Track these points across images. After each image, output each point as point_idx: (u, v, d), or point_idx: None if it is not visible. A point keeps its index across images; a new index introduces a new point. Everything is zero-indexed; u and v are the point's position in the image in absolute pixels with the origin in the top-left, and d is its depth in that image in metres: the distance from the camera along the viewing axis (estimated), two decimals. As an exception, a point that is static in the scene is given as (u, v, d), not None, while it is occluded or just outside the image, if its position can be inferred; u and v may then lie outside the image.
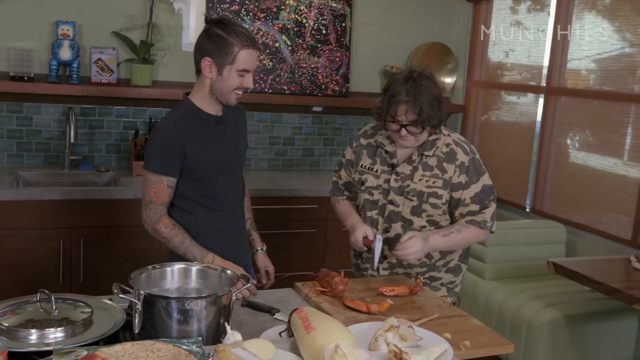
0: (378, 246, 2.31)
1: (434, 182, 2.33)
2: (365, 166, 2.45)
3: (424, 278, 2.43)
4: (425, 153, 2.34)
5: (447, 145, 2.35)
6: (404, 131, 2.25)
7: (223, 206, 2.36)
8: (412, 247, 2.25)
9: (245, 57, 2.19)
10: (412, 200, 2.35)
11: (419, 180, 2.34)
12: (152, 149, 2.24)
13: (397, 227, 2.39)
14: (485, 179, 2.36)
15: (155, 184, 2.22)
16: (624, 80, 3.69)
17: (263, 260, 2.59)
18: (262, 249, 2.60)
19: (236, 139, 2.41)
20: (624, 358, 3.52)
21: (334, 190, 2.62)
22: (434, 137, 2.35)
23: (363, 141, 2.48)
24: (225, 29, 2.18)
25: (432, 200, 2.33)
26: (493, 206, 2.36)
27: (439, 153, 2.34)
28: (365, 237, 2.34)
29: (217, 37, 2.17)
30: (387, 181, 2.39)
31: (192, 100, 2.29)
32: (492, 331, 2.03)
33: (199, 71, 2.26)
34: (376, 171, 2.41)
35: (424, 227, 2.38)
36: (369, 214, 2.44)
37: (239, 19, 4.21)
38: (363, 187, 2.44)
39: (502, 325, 3.54)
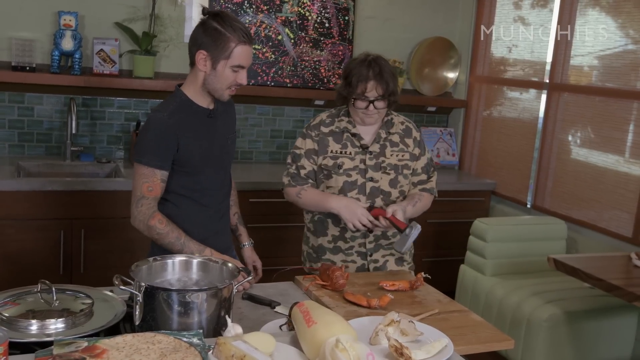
0: (414, 233, 2.39)
1: (403, 156, 2.59)
2: (337, 151, 2.55)
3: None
4: (390, 131, 2.59)
5: (402, 123, 2.65)
6: (371, 107, 2.47)
7: (210, 200, 2.33)
8: (396, 216, 2.42)
9: (240, 53, 2.17)
10: (389, 174, 2.56)
11: (391, 155, 2.57)
12: (145, 142, 2.19)
13: (378, 202, 2.55)
14: (428, 153, 2.70)
15: (148, 177, 2.17)
16: (626, 77, 3.68)
17: (250, 256, 2.59)
18: (249, 244, 2.60)
19: (226, 133, 2.39)
20: (624, 355, 3.53)
21: (296, 180, 2.57)
22: (388, 117, 2.61)
23: (324, 129, 2.58)
24: (222, 23, 2.15)
25: (405, 171, 2.59)
26: (435, 174, 2.72)
27: (399, 130, 2.62)
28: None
29: (213, 31, 2.15)
30: (363, 161, 2.54)
31: (184, 92, 2.25)
32: (492, 327, 2.03)
33: (192, 63, 2.22)
34: (349, 154, 2.54)
35: (397, 197, 2.58)
36: (349, 194, 2.53)
37: (242, 12, 4.20)
38: (341, 170, 2.53)
39: (502, 321, 3.54)
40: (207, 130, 2.28)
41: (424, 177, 2.65)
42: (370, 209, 2.45)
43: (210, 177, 2.32)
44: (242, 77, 2.21)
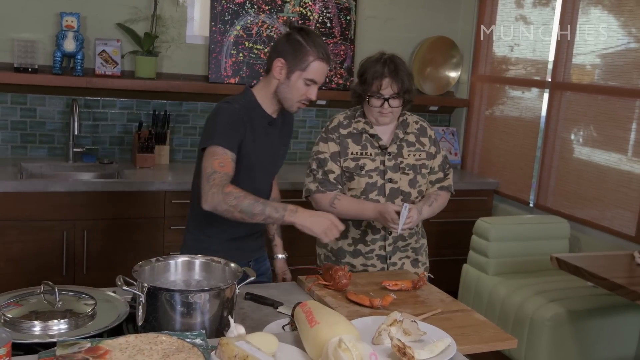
0: (404, 213, 2.36)
1: (420, 155, 2.58)
2: (357, 152, 2.54)
3: (418, 246, 2.66)
4: (406, 130, 2.58)
5: (416, 122, 2.64)
6: (386, 105, 2.46)
7: None
8: (412, 217, 2.40)
9: (316, 69, 2.21)
10: (408, 174, 2.54)
11: (409, 155, 2.56)
12: (217, 125, 2.15)
13: (398, 202, 2.53)
14: (443, 150, 2.69)
15: (219, 155, 2.10)
16: (629, 75, 3.67)
17: (282, 267, 2.60)
18: (282, 257, 2.61)
19: (279, 144, 2.41)
20: (627, 354, 3.52)
21: (325, 186, 2.52)
22: (402, 117, 2.60)
23: (343, 131, 2.57)
24: (306, 37, 2.20)
25: (423, 171, 2.58)
26: (451, 172, 2.69)
27: (414, 130, 2.61)
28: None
29: (296, 43, 2.19)
30: (382, 162, 2.54)
31: (254, 94, 2.28)
32: (495, 326, 2.03)
33: (268, 70, 2.25)
34: (370, 155, 2.54)
35: (416, 197, 2.57)
36: (370, 196, 2.53)
37: (244, 12, 4.20)
38: (364, 172, 2.52)
39: (505, 321, 3.53)
40: (264, 136, 2.29)
41: (440, 175, 2.63)
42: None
43: (254, 180, 2.30)
44: (313, 92, 2.24)
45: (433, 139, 2.64)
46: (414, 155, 2.56)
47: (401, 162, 2.54)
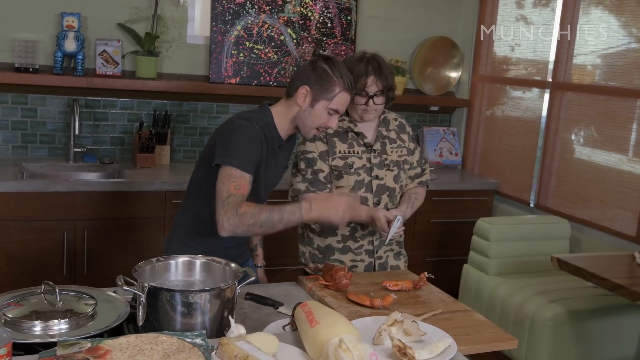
0: (396, 224, 2.40)
1: (401, 152, 2.64)
2: (345, 151, 2.57)
3: (400, 239, 2.70)
4: (388, 127, 2.65)
5: (395, 119, 2.70)
6: (370, 102, 2.50)
7: None
8: (401, 226, 2.48)
9: (342, 100, 2.22)
10: (392, 170, 2.61)
11: (392, 152, 2.62)
12: (238, 146, 2.13)
13: (385, 198, 2.59)
14: (419, 147, 2.76)
15: (236, 178, 2.08)
16: (629, 75, 3.67)
17: (262, 277, 2.63)
18: (261, 266, 2.64)
19: (283, 164, 2.42)
20: (627, 354, 3.52)
21: (315, 185, 2.52)
22: (383, 115, 2.65)
23: (330, 130, 2.53)
24: (332, 67, 2.20)
25: (405, 167, 2.65)
26: (428, 166, 2.76)
27: (394, 127, 2.67)
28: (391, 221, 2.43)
29: (323, 72, 2.19)
30: (369, 160, 2.58)
31: (273, 115, 2.26)
32: (495, 326, 2.03)
33: (290, 95, 2.24)
34: (357, 153, 2.58)
35: (398, 193, 2.64)
36: (358, 193, 2.56)
37: (245, 12, 4.21)
38: (352, 170, 2.55)
39: (505, 321, 3.53)
40: (273, 157, 2.29)
41: (419, 170, 2.70)
42: None
43: (257, 195, 2.28)
44: (334, 122, 2.25)
45: (411, 135, 2.72)
46: (396, 152, 2.63)
47: (386, 159, 2.60)
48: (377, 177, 2.57)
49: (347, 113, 2.60)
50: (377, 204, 2.56)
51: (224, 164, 2.10)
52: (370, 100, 2.49)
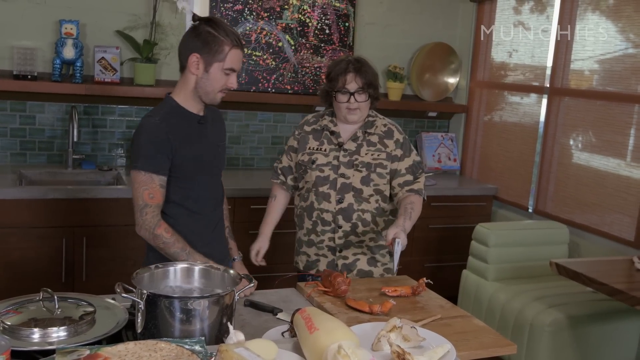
0: (397, 249, 2.32)
1: (378, 155, 2.63)
2: (314, 147, 2.66)
3: (374, 245, 2.67)
4: (368, 131, 2.65)
5: (385, 125, 2.70)
6: (352, 99, 2.55)
7: (202, 208, 2.32)
8: (402, 240, 2.37)
9: (234, 57, 2.20)
10: (361, 171, 2.60)
11: (366, 154, 2.62)
12: (139, 147, 2.17)
13: (349, 197, 2.61)
14: (414, 156, 2.69)
15: (147, 184, 2.15)
16: (627, 80, 3.68)
17: (240, 269, 2.57)
18: (238, 258, 2.59)
19: (217, 140, 2.40)
20: (627, 359, 3.51)
21: (273, 173, 2.82)
22: (371, 118, 2.68)
23: (307, 128, 2.72)
24: (216, 27, 2.18)
25: (379, 170, 2.62)
26: (424, 177, 2.70)
27: (379, 132, 2.67)
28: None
29: (207, 35, 2.17)
30: (336, 158, 2.62)
31: (175, 99, 2.26)
32: (494, 332, 2.03)
33: (183, 68, 2.23)
34: (325, 150, 2.64)
35: (371, 195, 2.62)
36: (320, 189, 2.62)
37: (242, 19, 4.21)
38: (314, 165, 2.62)
39: (504, 326, 3.53)
40: (198, 136, 2.27)
41: (409, 177, 2.64)
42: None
43: (202, 185, 2.31)
44: (233, 81, 2.23)
45: (401, 142, 2.67)
46: (371, 155, 2.62)
47: (356, 159, 2.61)
48: (343, 176, 2.60)
49: (332, 114, 2.68)
50: (340, 201, 2.59)
51: (132, 168, 2.19)
52: (352, 97, 2.55)
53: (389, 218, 2.68)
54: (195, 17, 2.23)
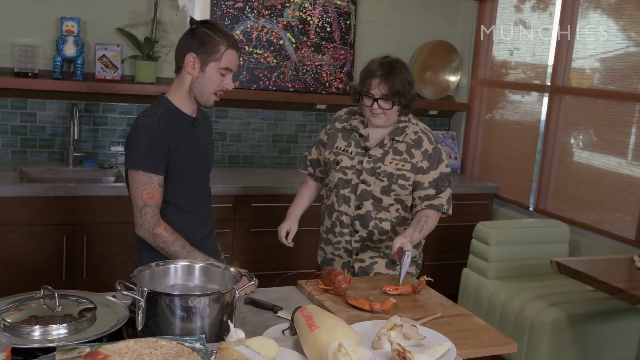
0: (406, 262, 2.32)
1: (402, 166, 2.54)
2: (341, 148, 2.61)
3: (390, 250, 2.58)
4: (396, 138, 2.56)
5: (415, 133, 2.58)
6: (375, 105, 2.47)
7: (193, 207, 2.35)
8: (407, 248, 2.36)
9: (230, 57, 2.22)
10: (382, 180, 2.54)
11: (390, 163, 2.54)
12: (138, 147, 2.18)
13: (367, 205, 2.57)
14: (443, 167, 2.58)
15: (146, 184, 2.16)
16: (628, 79, 3.68)
17: None
18: (222, 258, 2.61)
19: (207, 142, 2.43)
20: (627, 358, 3.52)
21: (301, 163, 2.83)
22: (403, 124, 2.58)
23: (338, 125, 2.66)
24: (212, 28, 2.21)
25: (401, 181, 2.54)
26: (448, 191, 2.59)
27: (408, 140, 2.57)
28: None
29: (204, 35, 2.19)
30: (360, 162, 2.57)
31: (170, 100, 2.27)
32: (495, 330, 2.03)
33: (179, 69, 2.25)
34: (350, 153, 2.59)
35: (391, 204, 2.57)
36: (342, 191, 2.59)
37: (244, 16, 4.21)
38: (338, 167, 2.59)
39: (505, 325, 3.53)
40: (191, 137, 2.29)
41: (431, 192, 2.55)
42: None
43: (193, 184, 2.33)
44: (228, 82, 2.24)
45: (429, 153, 2.56)
46: (395, 164, 2.54)
47: (379, 167, 2.54)
48: (364, 182, 2.56)
49: (363, 114, 2.61)
50: (359, 207, 2.56)
51: (129, 167, 2.19)
52: (375, 103, 2.47)
53: None
54: (192, 21, 2.26)
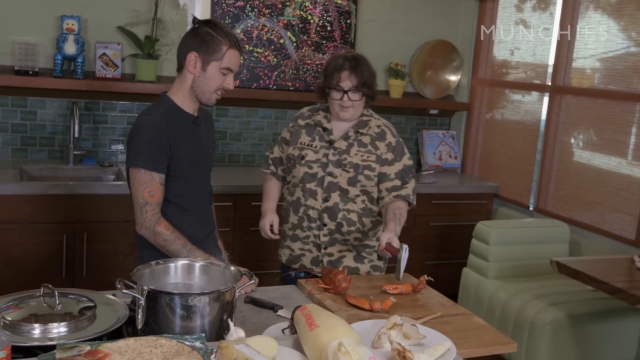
0: (404, 256, 2.31)
1: (368, 157, 2.59)
2: (305, 143, 2.65)
3: (360, 244, 2.65)
4: (361, 131, 2.61)
5: (378, 126, 2.65)
6: (345, 98, 2.53)
7: (194, 206, 2.35)
8: (392, 239, 2.36)
9: (231, 57, 2.22)
10: (348, 172, 2.58)
11: (355, 154, 2.59)
12: (139, 145, 2.18)
13: (335, 197, 2.59)
14: (406, 160, 2.65)
15: (147, 183, 2.16)
16: (629, 79, 3.68)
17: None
18: (225, 257, 2.61)
19: (208, 141, 2.43)
20: (627, 358, 3.52)
21: (263, 163, 2.84)
22: (366, 117, 2.65)
23: (301, 122, 2.70)
24: (215, 28, 2.21)
25: (367, 172, 2.59)
26: (413, 182, 2.64)
27: (372, 132, 2.63)
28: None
29: (206, 35, 2.19)
30: (326, 155, 2.61)
31: (171, 98, 2.27)
32: (495, 330, 2.03)
33: (180, 68, 2.26)
34: (315, 147, 2.62)
35: (357, 195, 2.60)
36: (308, 185, 2.61)
37: (244, 15, 4.21)
38: (303, 161, 2.62)
39: (505, 324, 3.53)
40: (193, 136, 2.30)
41: (397, 182, 2.59)
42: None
43: (194, 183, 2.34)
44: (230, 81, 2.25)
45: (393, 145, 2.62)
46: (361, 156, 2.59)
47: (345, 159, 2.58)
48: (330, 174, 2.59)
49: (326, 109, 2.66)
50: (326, 200, 2.58)
51: (131, 166, 2.19)
52: (345, 95, 2.52)
53: (377, 219, 2.67)
54: (195, 20, 2.27)
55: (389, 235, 2.34)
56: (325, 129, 2.63)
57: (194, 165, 2.30)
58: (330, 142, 2.61)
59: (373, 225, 2.66)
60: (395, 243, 2.32)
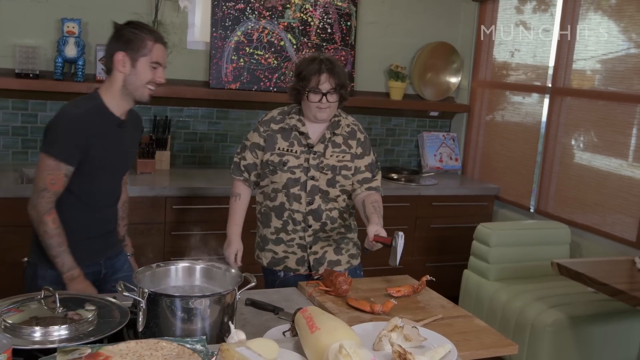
0: (400, 243, 2.34)
1: (343, 157, 2.65)
2: (284, 148, 2.64)
3: (339, 237, 2.70)
4: (335, 132, 2.66)
5: (348, 125, 2.71)
6: (324, 99, 2.56)
7: (96, 204, 2.36)
8: (380, 231, 2.41)
9: (158, 51, 2.29)
10: (326, 174, 2.62)
11: (330, 156, 2.64)
12: (56, 134, 2.20)
13: (317, 199, 2.64)
14: (372, 154, 2.73)
15: (52, 171, 2.18)
16: (629, 80, 3.68)
17: (133, 265, 2.65)
18: (131, 255, 2.67)
19: (129, 147, 2.46)
20: (628, 360, 3.52)
21: (235, 170, 2.77)
22: (337, 118, 2.68)
23: (274, 126, 2.68)
24: (137, 27, 2.28)
25: (344, 172, 2.64)
26: (380, 174, 2.74)
27: (344, 132, 2.68)
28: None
29: (130, 34, 2.25)
30: (307, 160, 2.63)
31: (101, 97, 2.30)
32: (496, 332, 2.03)
33: (109, 70, 2.29)
34: (295, 152, 2.63)
35: (338, 196, 2.66)
36: (292, 190, 2.63)
37: (244, 17, 4.21)
38: (285, 168, 2.62)
39: (505, 326, 3.53)
40: (113, 138, 2.32)
41: (368, 175, 2.67)
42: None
43: (103, 183, 2.35)
44: (160, 75, 2.31)
45: (362, 141, 2.70)
46: (336, 157, 2.64)
47: (322, 162, 2.63)
48: (312, 178, 2.62)
49: (299, 112, 2.67)
50: (310, 203, 2.62)
51: (42, 151, 2.20)
52: (324, 97, 2.55)
53: (353, 211, 2.76)
54: (116, 25, 2.32)
55: (376, 228, 2.39)
56: (302, 133, 2.64)
57: (106, 166, 2.32)
58: (309, 146, 2.63)
59: (353, 218, 2.77)
60: (383, 234, 2.37)
